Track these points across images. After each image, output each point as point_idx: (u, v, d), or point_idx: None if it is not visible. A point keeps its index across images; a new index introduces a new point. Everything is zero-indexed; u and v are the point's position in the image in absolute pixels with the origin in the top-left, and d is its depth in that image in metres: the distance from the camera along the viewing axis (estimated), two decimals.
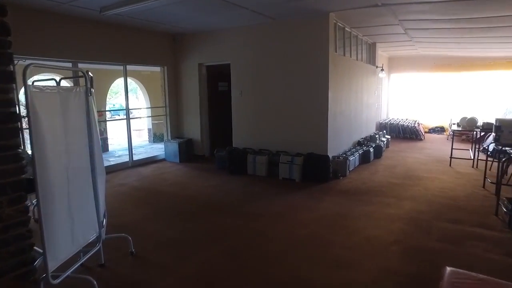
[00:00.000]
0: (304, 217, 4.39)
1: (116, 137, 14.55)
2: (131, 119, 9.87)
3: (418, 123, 12.25)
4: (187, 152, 7.85)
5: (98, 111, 9.51)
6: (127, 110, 7.27)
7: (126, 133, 7.39)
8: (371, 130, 10.05)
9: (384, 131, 10.15)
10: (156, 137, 10.88)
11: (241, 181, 6.11)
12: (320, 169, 6.00)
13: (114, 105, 28.57)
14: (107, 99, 10.23)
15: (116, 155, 8.92)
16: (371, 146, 7.96)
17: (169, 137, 8.13)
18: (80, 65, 6.37)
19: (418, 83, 13.21)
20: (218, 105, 8.16)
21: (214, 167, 7.08)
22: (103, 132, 9.53)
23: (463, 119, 7.46)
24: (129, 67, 9.60)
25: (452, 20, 6.20)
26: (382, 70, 10.02)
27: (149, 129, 11.30)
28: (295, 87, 6.45)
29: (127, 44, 6.94)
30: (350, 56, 7.56)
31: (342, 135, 7.14)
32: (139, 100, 13.08)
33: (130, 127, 7.38)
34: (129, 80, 11.07)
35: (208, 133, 8.14)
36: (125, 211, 4.67)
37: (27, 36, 5.34)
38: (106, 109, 9.89)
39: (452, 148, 7.44)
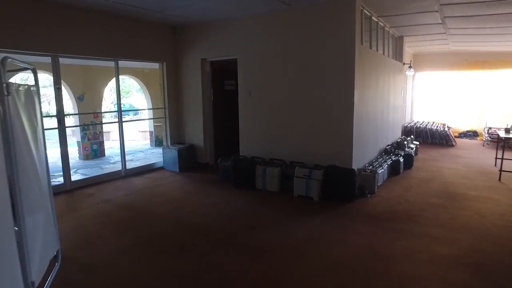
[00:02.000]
0: (327, 256, 3.35)
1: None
2: (132, 121, 9.08)
3: (447, 126, 11.02)
4: (188, 160, 6.89)
5: (93, 113, 8.70)
6: (119, 112, 6.35)
7: (118, 138, 6.47)
8: (397, 135, 8.91)
9: (412, 136, 8.99)
10: (158, 141, 9.98)
11: (248, 199, 5.11)
12: (343, 186, 4.94)
13: (124, 105, 28.08)
14: (103, 100, 9.32)
15: (112, 162, 8.05)
16: (400, 155, 6.85)
17: (169, 143, 7.19)
18: (63, 60, 5.48)
19: (446, 83, 11.94)
20: (224, 106, 7.18)
21: (218, 179, 6.09)
22: (99, 135, 8.67)
23: None
24: (128, 64, 8.79)
25: (506, 3, 5.06)
26: (410, 67, 8.86)
27: (150, 132, 10.41)
28: (313, 86, 5.41)
29: (119, 37, 6.02)
30: (377, 50, 6.46)
31: (367, 142, 6.06)
32: (143, 100, 12.20)
33: (123, 131, 6.46)
34: (129, 79, 10.29)
35: (212, 139, 7.16)
36: (99, 240, 3.72)
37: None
38: (103, 111, 8.98)
39: (499, 158, 6.26)
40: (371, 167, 5.73)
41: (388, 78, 7.36)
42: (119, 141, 6.45)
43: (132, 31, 6.22)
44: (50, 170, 3.07)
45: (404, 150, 7.37)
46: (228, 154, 6.28)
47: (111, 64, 6.29)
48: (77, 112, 8.61)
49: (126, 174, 6.45)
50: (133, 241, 3.68)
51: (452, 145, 10.03)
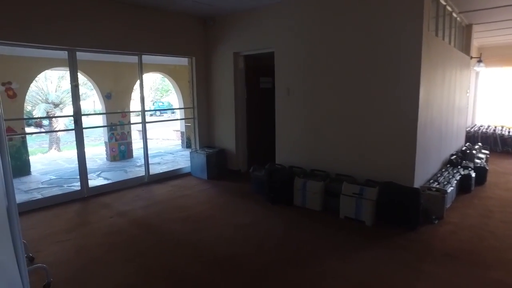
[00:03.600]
0: None
1: (157, 139, 13.53)
2: (154, 122, 8.56)
3: None
4: (218, 166, 6.16)
5: (121, 112, 8.27)
6: (143, 113, 5.75)
7: (142, 141, 5.88)
8: (461, 142, 7.58)
9: (480, 144, 7.61)
10: (189, 142, 9.39)
11: (284, 219, 4.25)
12: (404, 209, 3.92)
13: (163, 103, 28.30)
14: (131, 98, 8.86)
15: (138, 164, 7.55)
16: (470, 168, 5.63)
17: (197, 146, 6.51)
18: (80, 55, 4.95)
19: None
20: (258, 107, 6.36)
21: (250, 191, 5.29)
22: (127, 135, 8.23)
23: None
24: (157, 60, 8.27)
25: None
26: (480, 61, 7.48)
27: (181, 133, 9.87)
28: (368, 83, 4.42)
29: (143, 29, 5.40)
30: (443, 39, 5.31)
31: (431, 152, 4.95)
32: (175, 99, 11.75)
33: (146, 133, 5.86)
34: (159, 76, 9.88)
35: (245, 143, 6.37)
36: (101, 270, 3.05)
37: (5, 15, 4.00)
38: (130, 110, 8.54)
39: None
40: (436, 183, 4.63)
41: (455, 74, 6.14)
42: (142, 144, 5.85)
43: (157, 23, 5.58)
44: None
45: (473, 161, 6.11)
46: (263, 161, 5.46)
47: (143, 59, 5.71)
48: (104, 112, 8.24)
49: (150, 180, 5.85)
50: (140, 276, 2.96)
51: None
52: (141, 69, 5.64)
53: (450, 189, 4.55)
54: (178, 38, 5.94)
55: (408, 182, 4.16)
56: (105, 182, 5.84)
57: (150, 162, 6.10)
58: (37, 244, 3.53)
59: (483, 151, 7.18)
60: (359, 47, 4.42)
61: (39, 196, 5.12)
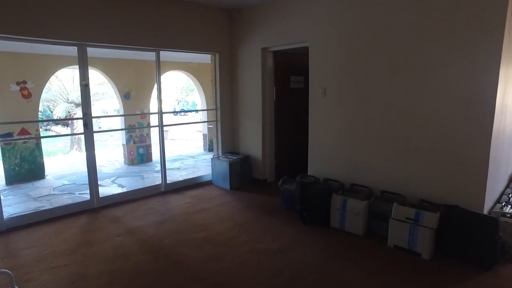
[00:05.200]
0: None
1: (180, 139, 13.13)
2: (172, 125, 8.02)
3: None
4: (243, 174, 5.52)
5: (141, 114, 7.81)
6: (160, 114, 5.20)
7: (160, 146, 5.33)
8: None
9: None
10: (211, 145, 8.84)
11: (320, 245, 3.53)
12: (476, 242, 3.10)
13: (187, 102, 28.12)
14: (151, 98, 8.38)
15: (157, 169, 7.04)
16: None
17: (219, 152, 5.90)
18: (91, 51, 4.45)
19: None
20: (289, 109, 5.67)
21: (278, 206, 4.61)
22: (146, 137, 7.77)
23: None
24: (179, 58, 7.75)
25: None
26: None
27: (204, 135, 9.33)
28: (424, 82, 3.61)
29: (161, 22, 4.85)
30: None
31: (500, 167, 4.07)
32: (199, 99, 11.21)
33: (163, 138, 5.31)
34: (184, 75, 9.39)
35: (273, 150, 5.68)
36: None
37: (9, 7, 3.56)
38: (148, 111, 8.06)
39: None
40: (509, 207, 3.75)
41: None
42: (160, 149, 5.30)
43: (176, 16, 5.01)
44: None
45: None
46: (293, 172, 4.78)
47: (163, 57, 5.17)
48: (123, 113, 7.81)
49: (166, 189, 5.30)
50: None
51: None
52: (159, 66, 5.09)
53: None
54: (200, 33, 5.35)
55: (475, 205, 3.33)
56: (118, 190, 5.34)
57: (170, 167, 5.58)
58: (30, 269, 3.02)
59: None
60: (417, 36, 3.61)
61: (47, 206, 4.67)
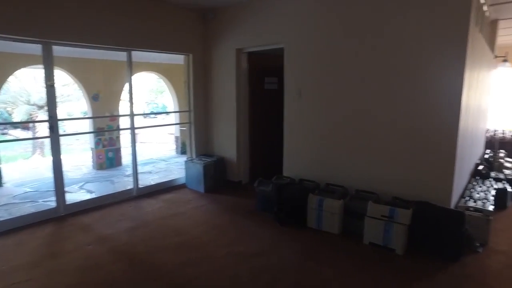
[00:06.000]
0: None
1: (150, 142, 12.76)
2: (143, 127, 7.80)
3: None
4: (217, 177, 5.45)
5: (111, 116, 7.52)
6: (132, 117, 5.01)
7: (131, 149, 5.14)
8: (481, 149, 6.96)
9: (503, 151, 6.96)
10: (184, 147, 8.67)
11: (297, 246, 3.53)
12: (445, 236, 3.23)
13: (157, 105, 27.44)
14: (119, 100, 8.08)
15: (127, 173, 6.79)
16: (504, 180, 4.97)
17: (193, 155, 5.78)
18: (57, 49, 4.21)
19: None
20: (263, 110, 5.66)
21: (254, 208, 4.57)
22: (116, 141, 7.49)
23: None
24: (151, 58, 7.55)
25: None
26: (506, 60, 6.85)
27: (176, 137, 9.14)
28: (396, 84, 3.73)
29: (133, 21, 4.69)
30: (482, 35, 4.65)
31: (464, 164, 4.28)
32: (171, 101, 10.95)
33: (135, 141, 5.13)
34: (155, 76, 9.17)
35: (247, 152, 5.65)
36: None
37: None
38: (119, 113, 7.78)
39: None
40: (472, 201, 3.94)
41: (484, 74, 5.49)
42: (131, 152, 5.11)
43: (150, 15, 4.87)
44: None
45: (503, 172, 5.46)
46: (268, 173, 4.76)
47: (134, 57, 4.99)
48: (91, 115, 7.48)
49: (139, 193, 5.11)
50: None
51: None
52: (131, 67, 4.91)
53: (491, 208, 3.87)
54: (174, 33, 5.22)
55: (443, 201, 3.47)
56: (87, 196, 5.08)
57: (141, 170, 5.39)
58: None
59: (507, 159, 6.54)
60: (389, 42, 3.72)
61: (6, 216, 4.33)
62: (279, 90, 4.88)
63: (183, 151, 8.61)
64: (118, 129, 7.89)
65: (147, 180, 6.03)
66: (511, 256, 3.29)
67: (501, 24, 6.48)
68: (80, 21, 4.16)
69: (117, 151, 7.58)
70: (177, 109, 9.34)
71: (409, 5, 3.54)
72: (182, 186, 5.60)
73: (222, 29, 5.42)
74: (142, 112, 21.79)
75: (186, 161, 5.62)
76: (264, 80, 5.64)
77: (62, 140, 4.27)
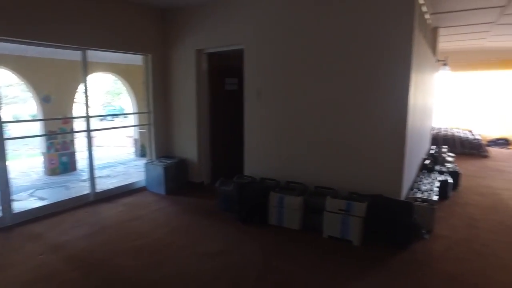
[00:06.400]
0: None
1: (108, 146, 12.22)
2: (100, 130, 7.53)
3: (477, 134, 9.67)
4: (178, 179, 5.38)
5: (63, 118, 7.15)
6: (87, 119, 4.81)
7: (87, 152, 4.93)
8: (428, 145, 7.52)
9: (446, 147, 7.57)
10: (144, 150, 8.44)
11: (260, 243, 3.60)
12: (396, 225, 3.47)
13: (115, 107, 26.35)
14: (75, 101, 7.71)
15: (83, 178, 6.49)
16: (446, 173, 5.42)
17: (153, 157, 5.67)
18: (19, 51, 3.95)
19: (471, 84, 10.62)
20: (224, 111, 5.69)
21: (216, 208, 4.58)
22: (69, 144, 7.12)
23: None
24: (107, 58, 7.28)
25: None
26: (445, 64, 7.46)
27: (135, 140, 8.87)
28: (349, 85, 3.94)
29: (89, 19, 4.52)
30: (425, 40, 5.04)
31: (412, 159, 4.61)
32: (128, 102, 10.58)
33: (91, 143, 4.93)
34: (112, 77, 8.82)
35: (208, 152, 5.65)
36: None
37: None
38: (73, 116, 7.42)
39: None
40: (420, 193, 4.27)
41: (428, 76, 5.95)
42: (87, 155, 4.90)
43: (107, 13, 4.72)
44: None
45: (445, 166, 5.94)
46: (230, 173, 4.80)
47: (89, 57, 4.78)
48: (41, 118, 7.05)
49: (96, 198, 4.92)
50: None
51: (486, 156, 8.67)
52: (86, 67, 4.71)
53: (435, 198, 4.21)
54: (132, 32, 5.09)
55: (395, 193, 3.73)
56: (38, 204, 4.78)
57: (98, 175, 5.17)
58: None
59: (449, 154, 7.12)
60: (342, 44, 3.93)
61: None
62: (240, 91, 4.95)
63: (142, 154, 8.38)
64: (73, 132, 7.52)
65: (105, 184, 5.81)
66: (451, 240, 3.62)
67: (441, 31, 7.06)
68: (29, 16, 3.93)
69: (72, 155, 7.20)
70: (136, 111, 9.08)
71: (359, 12, 3.78)
72: (142, 189, 5.47)
73: (182, 30, 5.38)
74: (98, 114, 20.92)
75: (146, 164, 5.49)
76: (224, 80, 5.68)
77: (8, 144, 3.99)
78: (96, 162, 5.16)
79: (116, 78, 8.84)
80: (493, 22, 6.25)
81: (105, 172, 7.02)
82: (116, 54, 5.52)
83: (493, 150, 9.46)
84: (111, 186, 5.43)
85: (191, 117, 5.45)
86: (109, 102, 27.11)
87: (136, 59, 6.01)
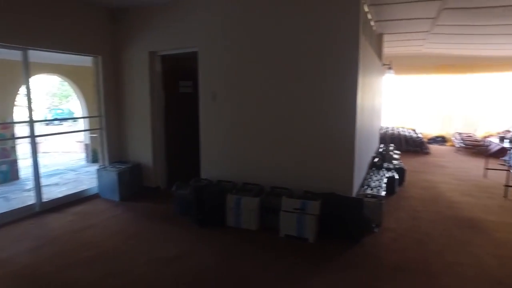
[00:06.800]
0: None
1: (55, 152, 11.45)
2: (46, 135, 7.07)
3: (419, 133, 10.49)
4: (132, 184, 5.23)
5: (2, 123, 6.62)
6: (31, 124, 4.51)
7: (31, 159, 4.61)
8: (377, 144, 8.00)
9: (393, 145, 8.12)
10: (95, 156, 8.05)
11: (217, 246, 3.62)
12: (348, 221, 3.67)
13: (63, 110, 24.75)
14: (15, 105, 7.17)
15: (27, 188, 6.05)
16: (393, 170, 5.82)
17: (106, 162, 5.45)
18: None
19: (413, 86, 11.50)
20: (179, 114, 5.63)
21: (173, 212, 4.52)
22: (10, 152, 6.61)
23: None
24: (54, 59, 6.86)
25: None
26: (390, 68, 8.00)
27: (86, 145, 8.44)
28: (301, 87, 4.11)
29: (32, 16, 4.24)
30: (370, 45, 5.38)
31: (362, 158, 4.90)
32: (77, 105, 10.02)
33: (36, 150, 4.62)
34: (58, 79, 8.29)
35: (164, 156, 5.55)
36: None
37: None
38: (14, 120, 6.90)
39: (489, 169, 5.48)
40: (369, 189, 4.56)
41: (375, 79, 6.35)
42: (32, 163, 4.59)
43: (52, 10, 4.46)
44: None
45: (392, 163, 6.38)
46: (186, 176, 4.75)
47: (32, 57, 4.47)
48: None
49: (43, 208, 4.62)
50: None
51: (427, 153, 9.43)
52: (27, 68, 4.41)
53: (383, 193, 4.52)
54: (78, 32, 4.86)
55: (346, 191, 3.95)
56: None
57: (46, 183, 4.85)
58: None
59: (396, 151, 7.65)
60: (294, 49, 4.09)
61: None
62: (195, 93, 4.93)
63: (94, 159, 7.99)
64: (14, 138, 6.97)
65: (53, 193, 5.47)
66: (396, 232, 3.91)
67: (386, 37, 7.58)
68: None
69: (13, 163, 6.67)
70: (86, 115, 8.64)
71: (308, 19, 3.96)
72: (95, 196, 5.23)
73: (134, 31, 5.24)
74: (44, 119, 19.52)
75: (98, 170, 5.26)
76: (179, 83, 5.62)
77: None
78: (42, 170, 4.85)
79: (63, 80, 8.34)
80: (427, 31, 6.84)
81: (53, 180, 6.61)
82: (62, 54, 5.22)
83: (433, 147, 10.31)
84: (60, 195, 5.14)
85: (145, 121, 5.33)
86: (56, 106, 25.45)
87: (85, 60, 5.74)
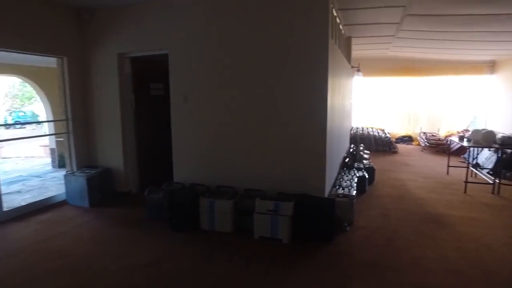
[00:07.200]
0: None
1: (17, 157, 10.87)
2: (4, 140, 6.70)
3: (388, 133, 10.88)
4: (103, 189, 5.06)
5: None
6: None
7: None
8: (348, 144, 8.22)
9: (363, 145, 8.37)
10: (62, 160, 7.73)
11: (191, 250, 3.59)
12: (321, 221, 3.76)
13: (25, 113, 23.53)
14: None
15: None
16: (363, 169, 6.01)
17: (74, 167, 5.25)
18: None
19: (380, 88, 11.92)
20: (150, 117, 5.53)
21: (146, 216, 4.43)
22: None
23: (476, 132, 5.89)
24: (15, 59, 6.53)
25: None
26: (359, 70, 8.25)
27: (52, 150, 8.08)
28: (272, 90, 4.15)
29: None
30: (339, 47, 5.53)
31: (333, 158, 5.02)
32: (41, 108, 9.57)
33: None
34: (18, 80, 7.89)
35: (135, 159, 5.43)
36: None
37: None
38: None
39: (452, 166, 5.81)
40: (341, 189, 4.68)
41: (344, 81, 6.53)
42: None
43: (11, 8, 4.24)
44: None
45: (363, 163, 6.59)
46: (159, 180, 4.67)
47: None
48: None
49: (4, 218, 4.37)
50: None
51: (395, 152, 9.81)
52: None
53: (354, 193, 4.65)
54: (40, 31, 4.64)
55: (319, 191, 4.03)
56: None
57: (6, 191, 4.58)
58: None
59: (366, 151, 7.90)
60: (264, 52, 4.12)
61: None
62: (166, 96, 4.85)
63: (61, 165, 7.67)
64: None
65: (15, 201, 5.20)
66: (367, 230, 4.05)
67: (354, 40, 7.81)
68: None
69: None
70: (51, 118, 8.27)
71: (278, 22, 4.02)
72: (62, 203, 5.02)
73: (102, 32, 5.08)
74: (3, 122, 18.48)
75: (65, 175, 5.06)
76: (149, 86, 5.51)
77: None
78: (2, 177, 4.59)
79: (24, 81, 7.95)
80: (393, 35, 7.13)
81: (15, 187, 6.28)
82: (22, 54, 4.97)
83: (400, 147, 10.72)
84: (23, 203, 4.89)
85: (115, 124, 5.18)
86: (17, 108, 24.15)
87: (49, 61, 5.50)
